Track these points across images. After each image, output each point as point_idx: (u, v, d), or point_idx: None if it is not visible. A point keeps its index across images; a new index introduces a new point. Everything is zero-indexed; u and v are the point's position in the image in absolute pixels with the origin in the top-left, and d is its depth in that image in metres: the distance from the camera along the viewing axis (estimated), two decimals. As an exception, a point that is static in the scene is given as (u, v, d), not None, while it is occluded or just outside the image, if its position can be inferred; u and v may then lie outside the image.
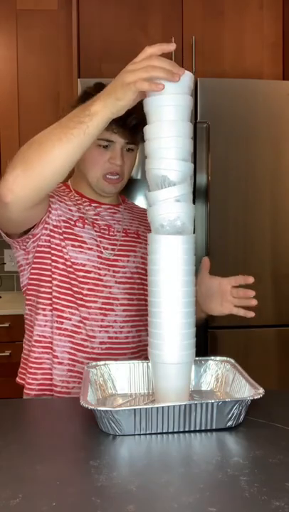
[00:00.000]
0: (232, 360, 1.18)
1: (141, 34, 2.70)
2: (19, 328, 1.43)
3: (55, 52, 2.77)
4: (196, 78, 2.45)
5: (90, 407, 0.96)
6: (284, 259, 2.53)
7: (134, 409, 0.96)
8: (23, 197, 1.09)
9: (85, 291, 1.34)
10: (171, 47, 0.99)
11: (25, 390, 1.39)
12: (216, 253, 2.46)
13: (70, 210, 1.38)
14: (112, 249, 1.40)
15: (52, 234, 1.35)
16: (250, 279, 1.23)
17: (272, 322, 2.51)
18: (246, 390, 1.05)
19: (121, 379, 1.17)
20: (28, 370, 1.37)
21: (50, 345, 1.35)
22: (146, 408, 0.96)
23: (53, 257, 1.35)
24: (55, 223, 1.35)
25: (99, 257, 1.37)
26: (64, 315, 1.34)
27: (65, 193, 1.44)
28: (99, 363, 1.17)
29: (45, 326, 1.35)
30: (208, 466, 0.87)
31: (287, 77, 2.74)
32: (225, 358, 1.19)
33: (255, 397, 0.98)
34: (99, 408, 0.97)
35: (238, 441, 0.97)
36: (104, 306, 1.36)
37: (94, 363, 1.17)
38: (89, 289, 1.35)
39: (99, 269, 1.37)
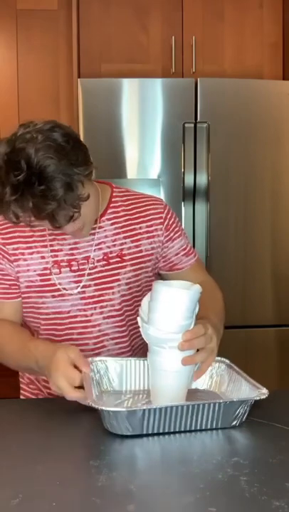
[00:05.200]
0: (227, 361, 1.18)
1: (141, 34, 2.70)
2: (19, 328, 1.42)
3: (55, 52, 2.76)
4: (196, 78, 2.45)
5: (99, 407, 0.95)
6: (284, 259, 2.53)
7: (144, 410, 0.95)
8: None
9: (75, 336, 1.29)
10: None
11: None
12: (216, 253, 2.46)
13: (42, 257, 1.27)
14: (95, 284, 1.28)
15: (28, 293, 1.29)
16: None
17: (272, 322, 2.50)
18: (248, 389, 1.05)
19: (117, 375, 1.16)
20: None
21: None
22: (157, 408, 0.95)
23: (36, 315, 1.30)
24: (27, 284, 1.27)
25: (82, 298, 1.28)
26: None
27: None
28: (95, 358, 1.16)
29: None
30: (208, 466, 0.87)
31: (287, 77, 2.74)
32: (220, 359, 1.18)
33: (262, 397, 0.99)
34: (108, 409, 0.96)
35: (238, 441, 0.97)
36: (96, 345, 1.30)
37: (90, 359, 1.15)
38: (79, 333, 1.29)
39: (85, 310, 1.28)
